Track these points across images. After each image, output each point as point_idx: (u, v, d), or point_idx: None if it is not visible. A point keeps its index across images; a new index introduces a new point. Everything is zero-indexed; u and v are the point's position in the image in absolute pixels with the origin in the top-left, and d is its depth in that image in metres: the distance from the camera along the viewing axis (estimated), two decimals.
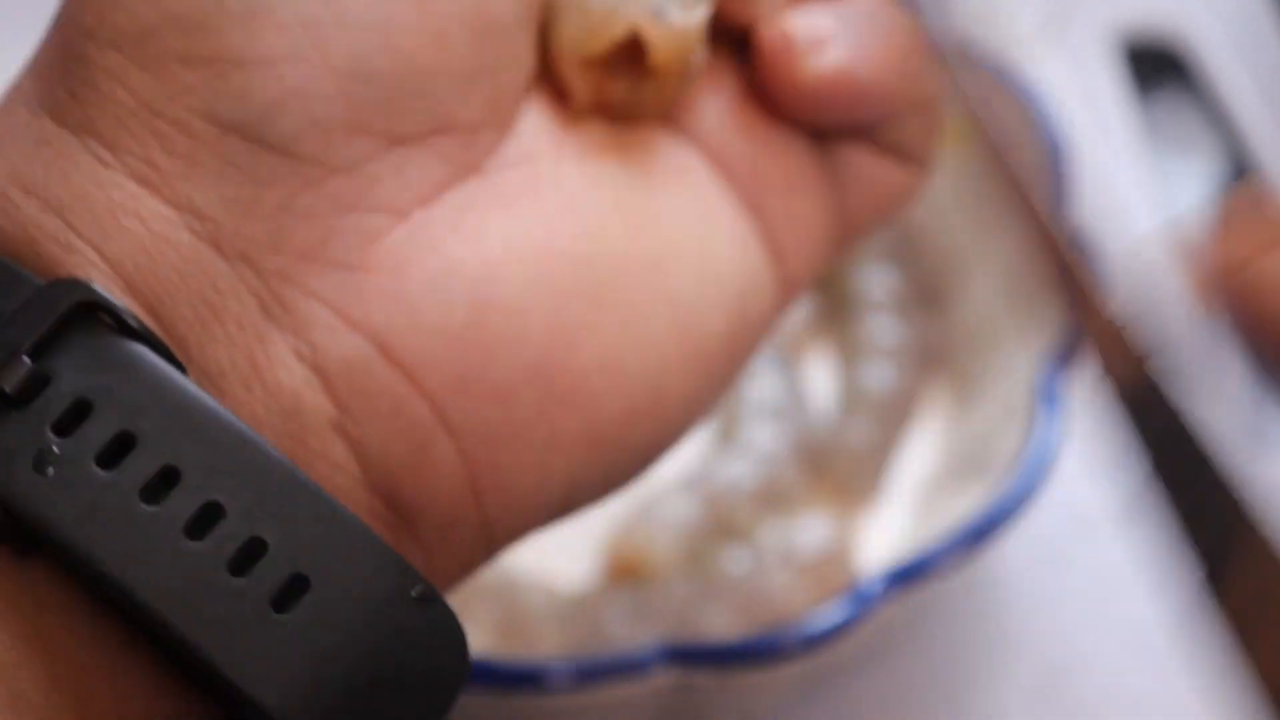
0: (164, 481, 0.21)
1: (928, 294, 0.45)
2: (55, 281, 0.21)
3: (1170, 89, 0.54)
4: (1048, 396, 0.38)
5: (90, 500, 0.20)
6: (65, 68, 0.23)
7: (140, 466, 0.21)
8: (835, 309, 0.45)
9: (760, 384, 0.43)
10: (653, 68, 0.26)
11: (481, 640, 0.39)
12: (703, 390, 0.25)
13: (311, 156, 0.22)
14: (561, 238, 0.24)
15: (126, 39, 0.22)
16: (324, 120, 0.22)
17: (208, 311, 0.22)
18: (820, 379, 0.45)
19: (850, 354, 0.44)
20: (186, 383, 0.21)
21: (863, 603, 0.34)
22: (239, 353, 0.22)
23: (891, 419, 0.43)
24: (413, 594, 0.21)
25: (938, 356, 0.44)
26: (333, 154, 0.23)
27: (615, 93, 0.26)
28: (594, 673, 0.33)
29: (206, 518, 0.21)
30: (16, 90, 0.24)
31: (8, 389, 0.21)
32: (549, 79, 0.26)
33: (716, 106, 0.26)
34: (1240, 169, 0.51)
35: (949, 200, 0.45)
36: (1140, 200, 0.49)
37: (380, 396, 0.23)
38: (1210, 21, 0.55)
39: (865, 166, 0.27)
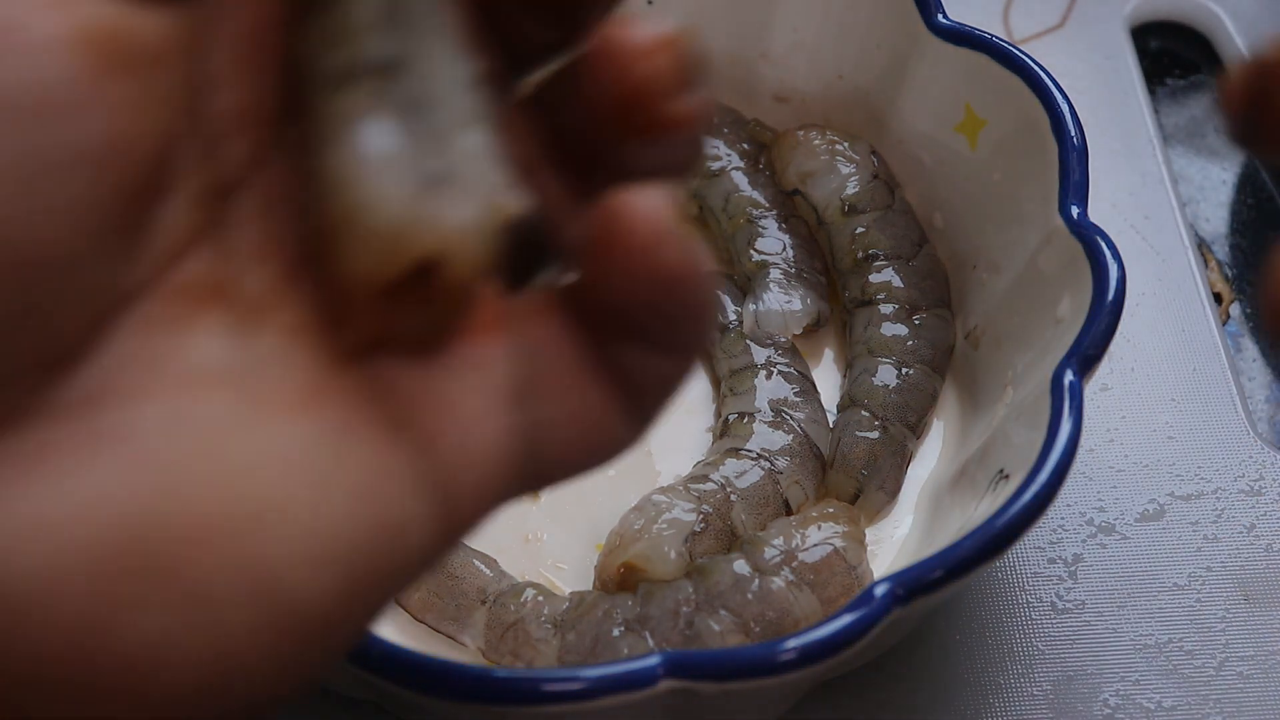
0: None
1: (940, 296, 0.44)
2: None
3: (1189, 75, 0.53)
4: (1064, 401, 0.36)
5: None
6: None
7: None
8: (845, 311, 0.45)
9: (766, 386, 0.42)
10: (447, 285, 0.22)
11: (480, 645, 0.39)
12: (300, 656, 0.22)
13: None
14: (107, 504, 0.21)
15: None
16: None
17: None
18: (829, 382, 0.44)
19: (861, 356, 0.43)
20: None
21: (869, 611, 0.33)
22: None
23: (904, 423, 0.42)
24: None
25: (950, 359, 0.43)
26: None
27: (404, 320, 0.22)
28: (594, 689, 0.32)
29: None
30: None
31: None
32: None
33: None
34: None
35: (962, 201, 0.44)
36: (1156, 190, 0.48)
37: None
38: (1230, 7, 0.54)
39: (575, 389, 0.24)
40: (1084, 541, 0.41)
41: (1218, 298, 0.47)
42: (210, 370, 0.22)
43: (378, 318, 0.22)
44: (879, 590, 0.33)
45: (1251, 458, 0.43)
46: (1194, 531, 0.42)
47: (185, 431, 0.21)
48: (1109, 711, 0.39)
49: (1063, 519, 0.42)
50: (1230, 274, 0.48)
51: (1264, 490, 0.42)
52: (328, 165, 0.22)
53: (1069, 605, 0.40)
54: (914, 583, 0.34)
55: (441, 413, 0.23)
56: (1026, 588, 0.41)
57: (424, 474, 0.23)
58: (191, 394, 0.22)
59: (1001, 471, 0.37)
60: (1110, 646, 0.40)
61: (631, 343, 0.24)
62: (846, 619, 0.33)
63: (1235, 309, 0.47)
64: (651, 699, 0.33)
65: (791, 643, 0.33)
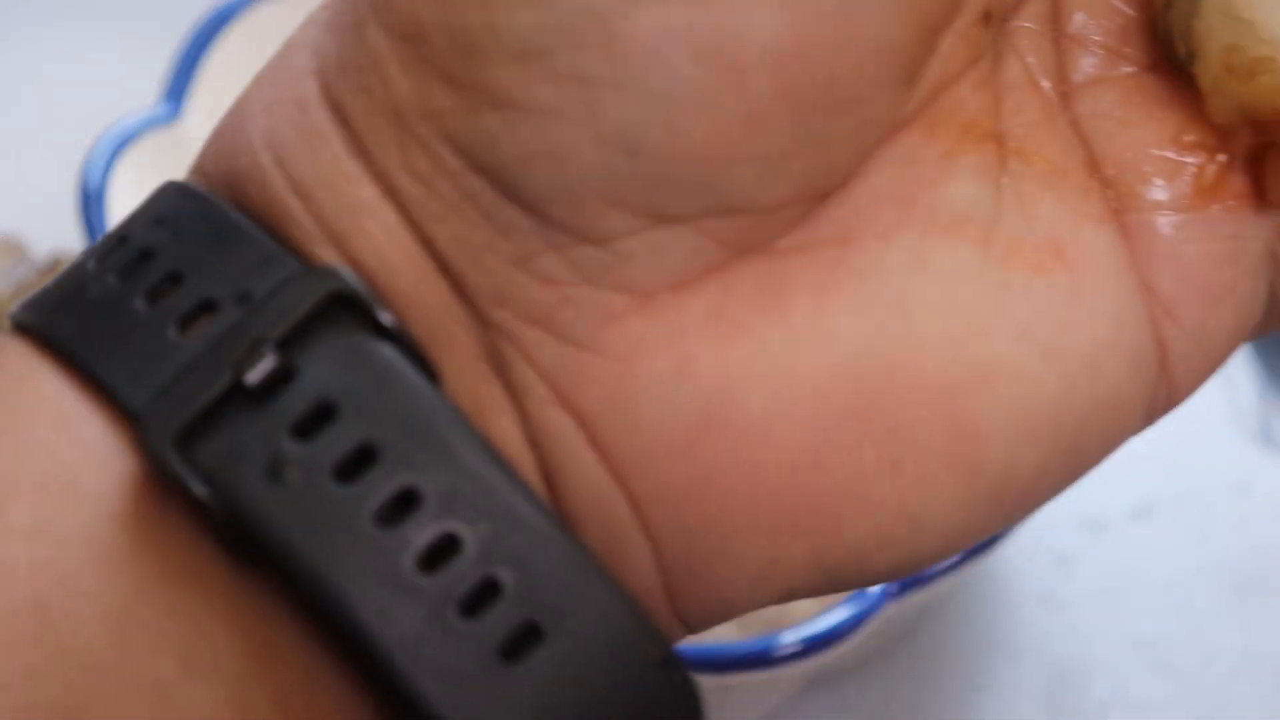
0: (402, 503, 0.19)
1: None
2: (310, 269, 0.20)
3: None
4: None
5: (323, 517, 0.19)
6: (345, 29, 0.21)
7: (379, 484, 0.19)
8: None
9: None
10: None
11: None
12: (984, 521, 0.21)
13: (558, 219, 0.20)
14: (838, 344, 0.20)
15: (401, 30, 0.20)
16: (575, 187, 0.20)
17: (435, 340, 0.20)
18: None
19: None
20: (438, 395, 0.19)
21: (864, 605, 0.34)
22: (463, 391, 0.20)
23: None
24: (653, 656, 0.19)
25: None
26: (582, 222, 0.20)
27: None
28: None
29: (442, 549, 0.19)
30: (310, 26, 0.21)
31: (249, 382, 0.19)
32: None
33: (1163, 169, 0.21)
34: None
35: None
36: None
37: (581, 486, 0.20)
38: None
39: None
40: (1075, 538, 0.42)
41: None
42: (958, 213, 0.21)
43: (1230, 161, 0.21)
44: None
45: (1241, 455, 0.43)
46: (1184, 528, 0.42)
47: (925, 279, 0.20)
48: (1100, 707, 0.39)
49: (1054, 515, 0.42)
50: None
51: (1253, 487, 0.43)
52: None
53: (1060, 601, 0.41)
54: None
55: (1187, 280, 0.21)
56: (1018, 583, 0.41)
57: (1151, 351, 0.22)
58: (937, 238, 0.21)
59: None
60: (1101, 642, 0.40)
61: None
62: (842, 612, 0.33)
63: None
64: None
65: (788, 636, 0.33)
